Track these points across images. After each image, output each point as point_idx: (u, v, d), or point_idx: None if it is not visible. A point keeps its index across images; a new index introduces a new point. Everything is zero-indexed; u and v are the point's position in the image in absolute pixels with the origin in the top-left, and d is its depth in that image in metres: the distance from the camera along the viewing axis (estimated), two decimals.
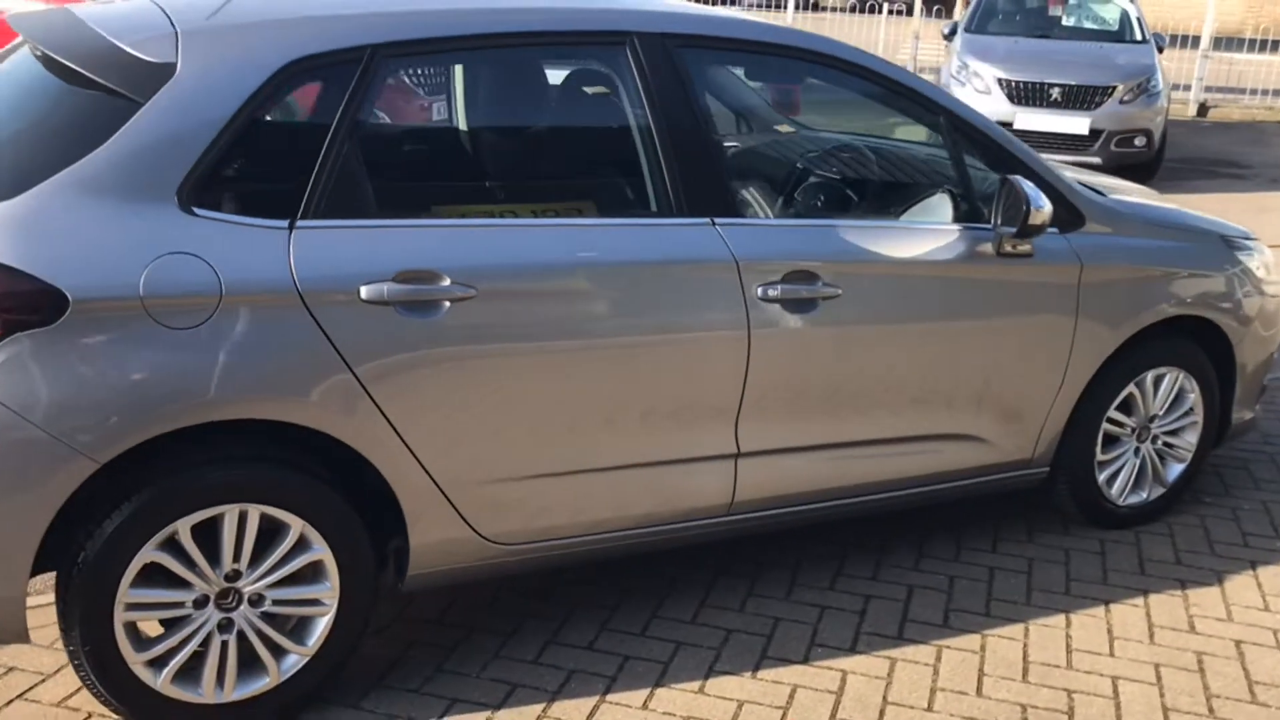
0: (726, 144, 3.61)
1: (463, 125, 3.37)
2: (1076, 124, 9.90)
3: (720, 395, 3.09)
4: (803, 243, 3.17)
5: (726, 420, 3.12)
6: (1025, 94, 10.04)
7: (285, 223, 2.61)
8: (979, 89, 10.19)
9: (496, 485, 2.90)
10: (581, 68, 3.29)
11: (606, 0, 3.20)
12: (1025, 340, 3.53)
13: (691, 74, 3.08)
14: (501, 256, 2.79)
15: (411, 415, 2.73)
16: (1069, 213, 3.59)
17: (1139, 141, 9.98)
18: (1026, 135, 9.98)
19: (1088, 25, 11.48)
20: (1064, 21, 11.45)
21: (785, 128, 4.13)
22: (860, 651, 3.21)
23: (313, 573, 2.77)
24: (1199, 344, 3.94)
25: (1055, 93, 9.99)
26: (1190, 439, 4.02)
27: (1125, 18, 11.32)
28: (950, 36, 11.33)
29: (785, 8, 16.77)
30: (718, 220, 3.06)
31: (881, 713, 2.95)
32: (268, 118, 2.66)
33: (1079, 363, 3.64)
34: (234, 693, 2.74)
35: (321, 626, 2.80)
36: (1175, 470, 4.04)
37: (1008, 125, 10.00)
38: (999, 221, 3.33)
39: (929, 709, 2.98)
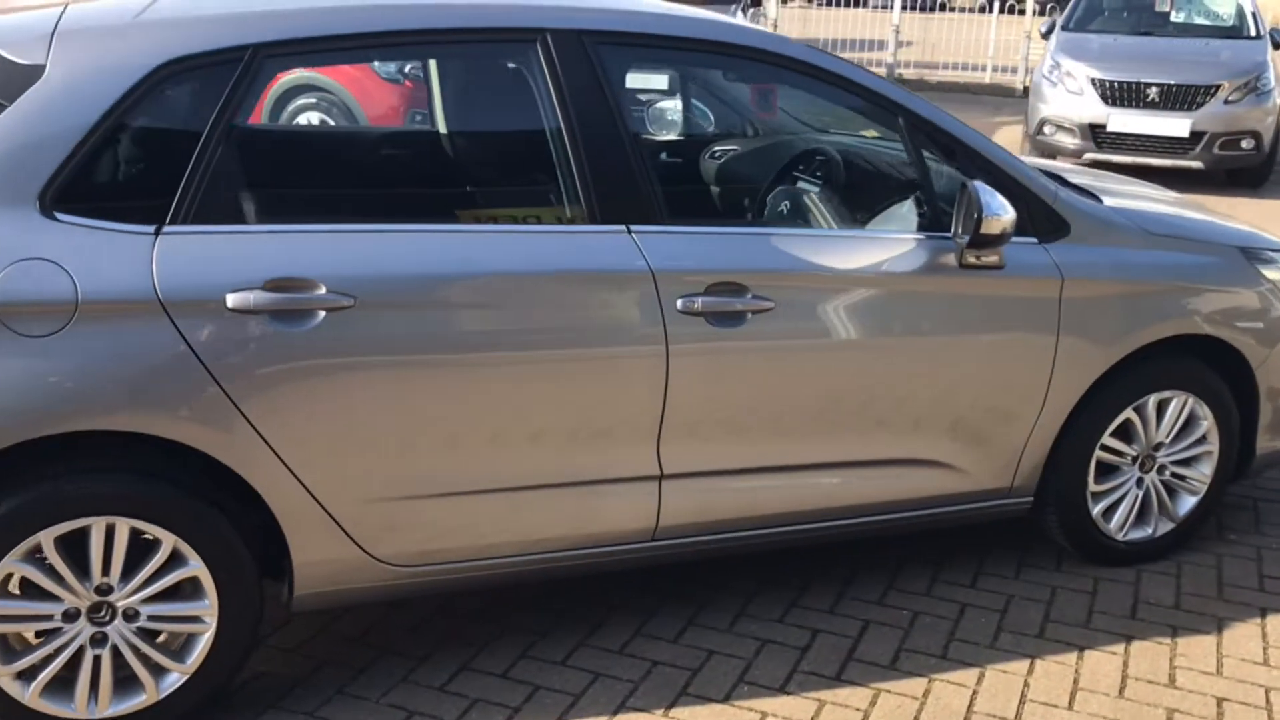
0: (669, 148, 3.41)
1: (355, 128, 3.25)
2: (1176, 126, 9.32)
3: (638, 414, 2.90)
4: (731, 252, 2.96)
5: (647, 440, 2.93)
6: (1120, 94, 9.50)
7: (152, 228, 2.53)
8: (1071, 90, 9.68)
9: (386, 504, 2.77)
10: (491, 68, 3.14)
11: None
12: (996, 360, 3.25)
13: (610, 73, 2.90)
14: (385, 265, 2.66)
15: (286, 429, 2.62)
16: (1050, 221, 3.29)
17: (1246, 144, 9.35)
18: (1121, 138, 9.48)
19: (1199, 21, 10.81)
20: (1173, 18, 10.80)
21: (755, 130, 3.90)
22: (789, 692, 2.98)
23: (191, 589, 2.69)
24: (1214, 366, 3.58)
25: (1153, 92, 9.43)
26: (1204, 470, 3.65)
27: (1240, 12, 10.62)
28: (1048, 35, 10.81)
29: (891, 7, 16.30)
30: (634, 228, 2.87)
31: None
32: (139, 121, 2.59)
33: (1062, 385, 3.33)
34: (108, 709, 2.67)
35: (201, 644, 2.71)
36: (1187, 504, 3.68)
37: (1101, 128, 9.51)
38: (959, 230, 3.06)
39: None
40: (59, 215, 2.48)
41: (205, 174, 2.56)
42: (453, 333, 2.72)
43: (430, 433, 2.74)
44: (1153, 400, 3.50)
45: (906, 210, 3.27)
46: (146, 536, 2.60)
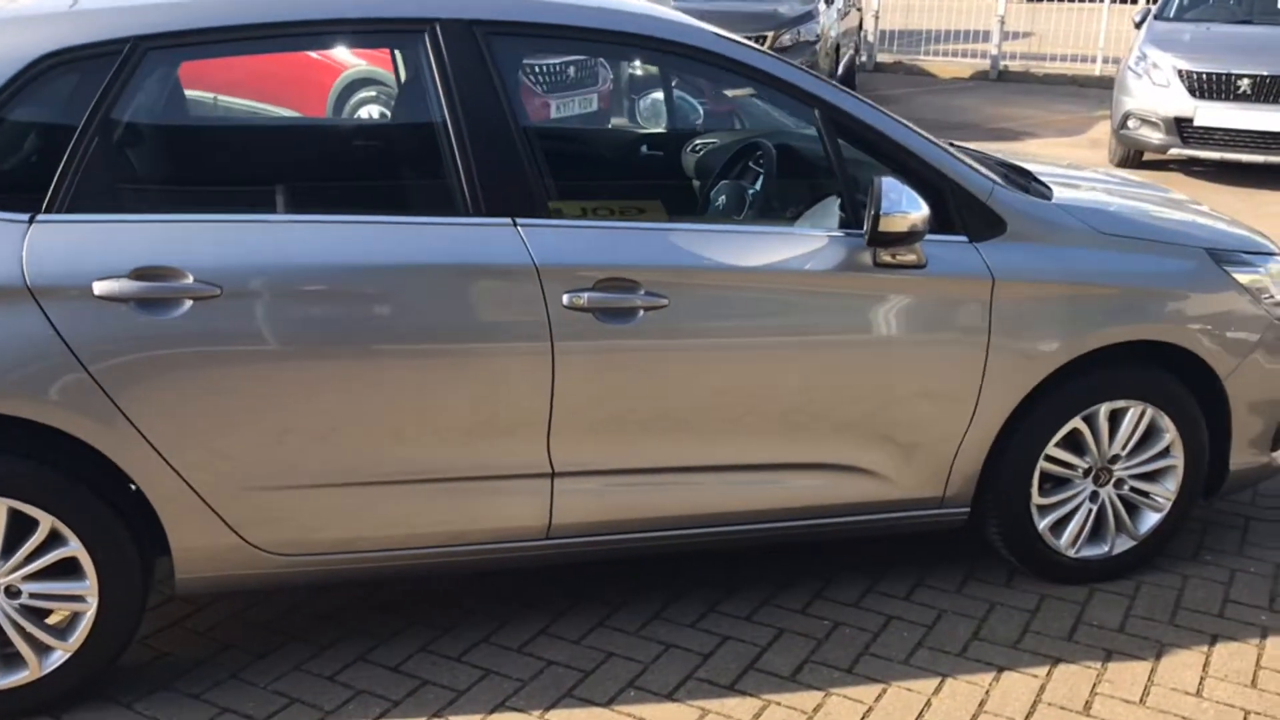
0: (585, 140, 3.34)
1: (232, 119, 3.27)
2: (1268, 119, 8.79)
3: (524, 410, 2.86)
4: (623, 247, 2.89)
5: (536, 437, 2.89)
6: (1208, 87, 9.01)
7: (26, 217, 2.59)
8: (1157, 82, 9.22)
9: (263, 493, 2.79)
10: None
11: None
12: (919, 363, 3.10)
13: (501, 63, 2.86)
14: (253, 255, 2.67)
15: (155, 416, 2.66)
16: (983, 219, 3.13)
17: None
18: (1209, 133, 9.02)
19: None
20: None
21: (696, 123, 3.80)
22: (676, 699, 2.90)
23: (74, 568, 2.75)
24: (1179, 374, 3.35)
25: (1244, 84, 8.90)
26: (1168, 486, 3.43)
27: None
28: (1141, 25, 10.32)
29: None
30: (520, 220, 2.83)
31: None
32: (18, 112, 2.65)
33: (995, 391, 3.16)
34: None
35: (83, 624, 2.77)
36: (1150, 521, 3.46)
37: (1188, 122, 9.04)
38: (866, 228, 2.93)
39: None
40: None
41: (81, 164, 2.62)
42: (324, 324, 2.72)
43: (304, 424, 2.75)
44: (1104, 410, 3.30)
45: (831, 207, 3.15)
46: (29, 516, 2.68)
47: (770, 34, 11.07)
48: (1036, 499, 3.33)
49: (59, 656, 2.78)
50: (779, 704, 2.89)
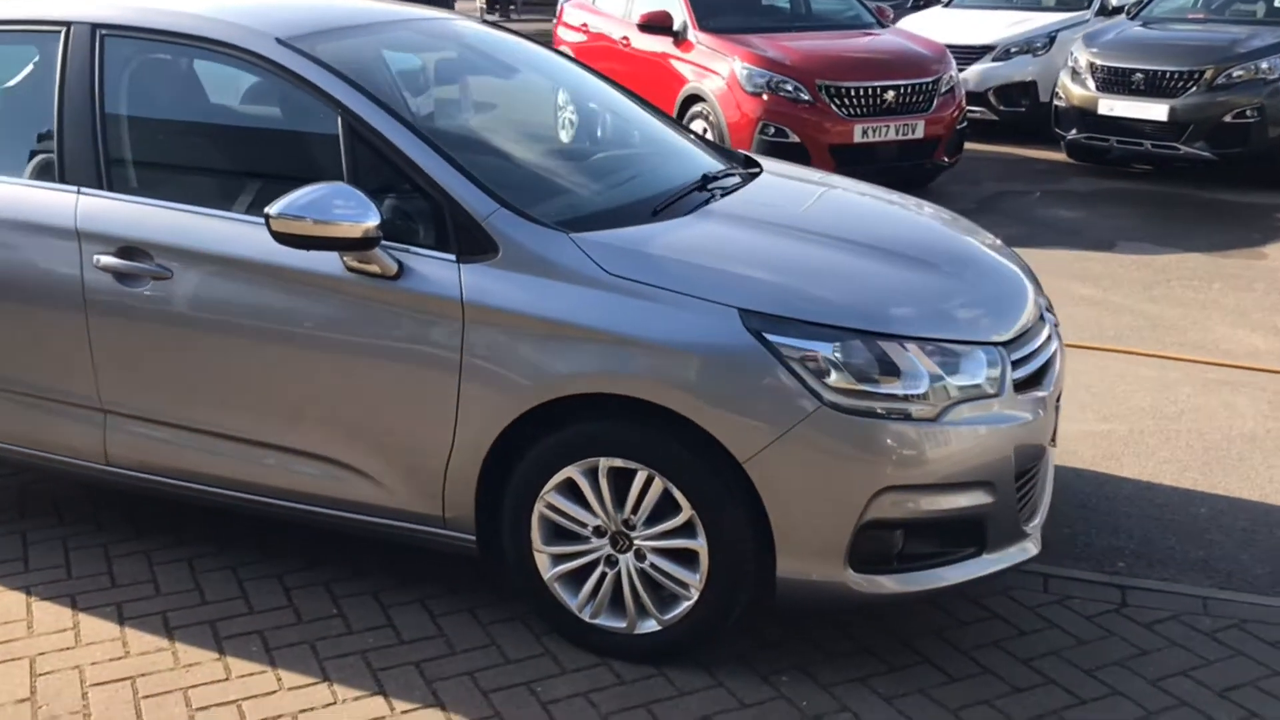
0: (181, 127, 3.70)
1: None
2: None
3: (74, 350, 3.44)
4: (145, 221, 3.33)
5: (86, 375, 3.45)
6: None
7: None
8: None
9: None
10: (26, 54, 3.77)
11: None
12: (391, 375, 3.12)
13: (108, 60, 3.45)
14: None
15: None
16: (475, 240, 3.05)
17: None
18: None
19: None
20: None
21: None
22: None
23: None
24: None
25: None
26: (693, 574, 3.00)
27: None
28: None
29: None
30: (84, 189, 3.40)
31: None
32: None
33: (472, 419, 3.06)
34: None
35: None
36: (679, 608, 3.05)
37: None
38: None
39: None
40: None
41: None
42: None
43: None
44: (604, 465, 3.00)
45: None
46: None
47: (1210, 68, 9.60)
48: (538, 545, 3.13)
49: None
50: None
